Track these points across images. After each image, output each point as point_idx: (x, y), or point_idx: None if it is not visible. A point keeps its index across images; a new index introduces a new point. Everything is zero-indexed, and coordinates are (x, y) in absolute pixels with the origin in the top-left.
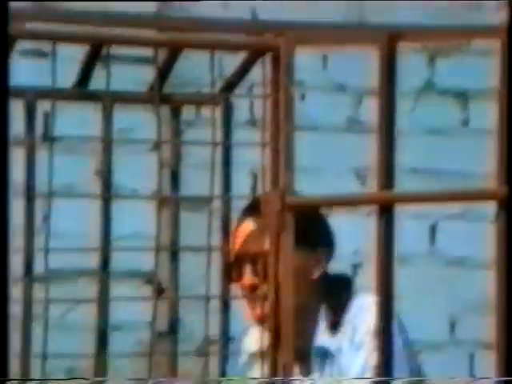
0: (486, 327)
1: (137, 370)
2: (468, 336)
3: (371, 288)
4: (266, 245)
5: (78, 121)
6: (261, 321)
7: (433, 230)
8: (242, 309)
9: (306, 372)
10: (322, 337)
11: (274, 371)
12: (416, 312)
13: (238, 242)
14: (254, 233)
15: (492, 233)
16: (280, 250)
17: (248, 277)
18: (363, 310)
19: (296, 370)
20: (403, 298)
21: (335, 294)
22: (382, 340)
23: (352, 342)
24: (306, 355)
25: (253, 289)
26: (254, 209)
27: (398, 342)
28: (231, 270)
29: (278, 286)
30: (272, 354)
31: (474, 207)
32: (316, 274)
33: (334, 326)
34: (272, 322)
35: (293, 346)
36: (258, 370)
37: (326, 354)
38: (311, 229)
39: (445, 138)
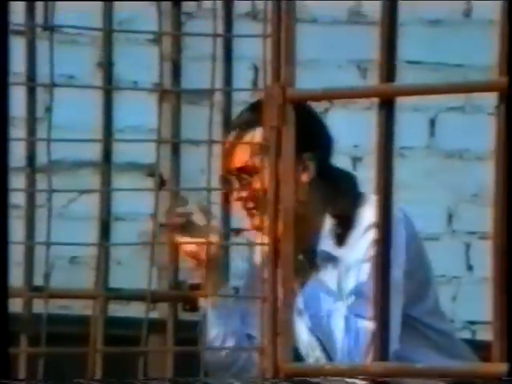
0: (483, 218)
1: (139, 261)
2: (465, 227)
3: (371, 182)
4: (256, 159)
5: (78, 11)
6: (258, 231)
7: (432, 122)
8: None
9: (306, 272)
10: (326, 242)
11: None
12: (414, 204)
13: (228, 155)
14: (242, 146)
15: (491, 125)
16: (281, 144)
17: (238, 191)
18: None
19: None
20: (402, 190)
21: (337, 198)
22: (380, 244)
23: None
24: (308, 257)
25: (245, 201)
26: (245, 119)
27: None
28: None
29: (278, 183)
30: (272, 267)
31: (473, 99)
32: (304, 180)
33: (340, 238)
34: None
35: (292, 259)
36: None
37: (328, 258)
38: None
39: (446, 30)
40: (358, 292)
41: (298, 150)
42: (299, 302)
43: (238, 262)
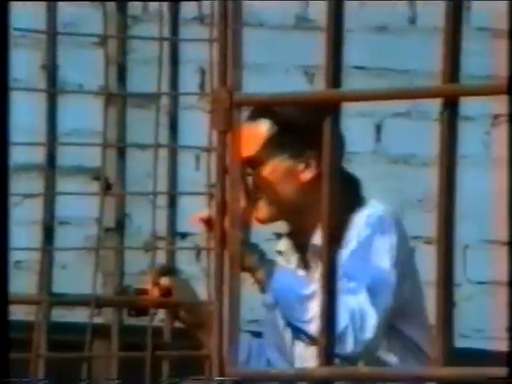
0: (429, 223)
1: (84, 265)
2: (410, 231)
3: None
4: (259, 152)
5: (21, 13)
6: (261, 223)
7: (378, 128)
8: (189, 206)
9: (304, 266)
10: (318, 237)
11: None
12: None
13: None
14: (247, 137)
15: (436, 130)
16: (227, 148)
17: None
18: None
19: (297, 263)
20: None
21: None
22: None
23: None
24: (305, 251)
25: (247, 193)
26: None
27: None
28: None
29: (224, 185)
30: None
31: (419, 105)
32: (306, 177)
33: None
34: (219, 222)
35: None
36: None
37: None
38: (292, 133)
39: (392, 37)
40: (345, 275)
41: (301, 147)
42: (268, 296)
43: (184, 266)
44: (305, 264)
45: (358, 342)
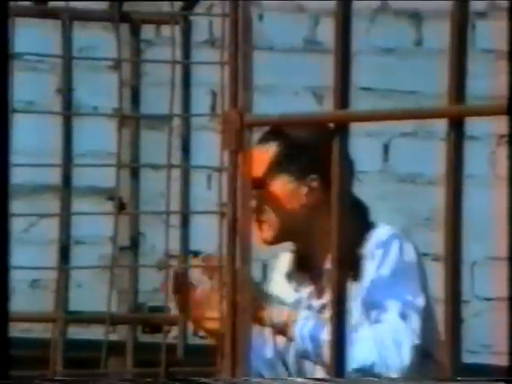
0: (436, 240)
1: (99, 284)
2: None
3: None
4: (266, 173)
5: (38, 38)
6: (267, 244)
7: (386, 147)
8: (201, 224)
9: (320, 293)
10: None
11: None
12: None
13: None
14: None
15: (443, 150)
16: (238, 168)
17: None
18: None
19: (311, 290)
20: None
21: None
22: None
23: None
24: (319, 277)
25: (255, 213)
26: (264, 133)
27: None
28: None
29: (236, 204)
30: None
31: (425, 126)
32: (309, 200)
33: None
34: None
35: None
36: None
37: None
38: (298, 157)
39: (398, 59)
40: (374, 304)
41: (304, 171)
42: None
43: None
44: (314, 285)
45: (392, 371)
